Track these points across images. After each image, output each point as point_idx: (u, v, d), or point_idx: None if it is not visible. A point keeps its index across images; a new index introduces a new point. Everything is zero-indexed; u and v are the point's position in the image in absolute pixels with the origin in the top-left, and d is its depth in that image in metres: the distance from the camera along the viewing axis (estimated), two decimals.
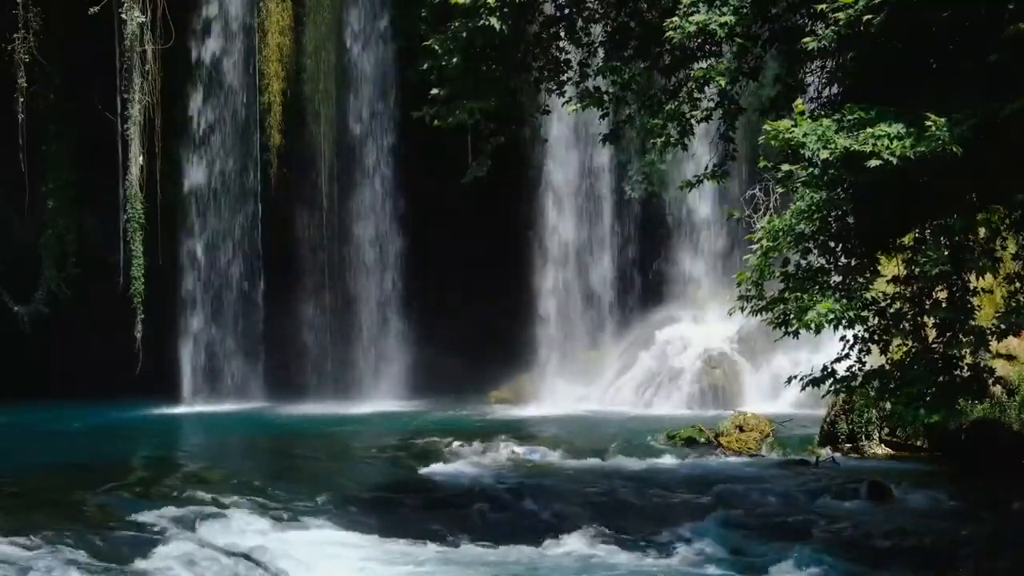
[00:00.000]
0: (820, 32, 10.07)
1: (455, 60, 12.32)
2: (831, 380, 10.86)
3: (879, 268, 10.49)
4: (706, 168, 12.77)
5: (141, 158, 28.67)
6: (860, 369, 10.79)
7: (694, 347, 27.35)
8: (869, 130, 9.11)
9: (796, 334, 10.20)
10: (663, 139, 12.24)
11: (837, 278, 10.25)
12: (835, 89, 11.24)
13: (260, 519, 13.49)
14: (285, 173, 30.37)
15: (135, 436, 24.15)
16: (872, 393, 10.73)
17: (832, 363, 10.93)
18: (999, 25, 8.93)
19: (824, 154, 9.33)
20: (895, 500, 14.73)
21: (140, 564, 11.40)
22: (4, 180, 29.13)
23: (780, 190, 10.66)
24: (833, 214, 10.10)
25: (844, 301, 9.87)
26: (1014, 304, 10.13)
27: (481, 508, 14.16)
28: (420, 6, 13.92)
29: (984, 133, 8.87)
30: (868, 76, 10.21)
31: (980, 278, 10.02)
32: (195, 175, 30.46)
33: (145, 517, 13.30)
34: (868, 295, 10.07)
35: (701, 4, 10.93)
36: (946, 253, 9.72)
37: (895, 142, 8.97)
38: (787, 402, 23.27)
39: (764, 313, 10.37)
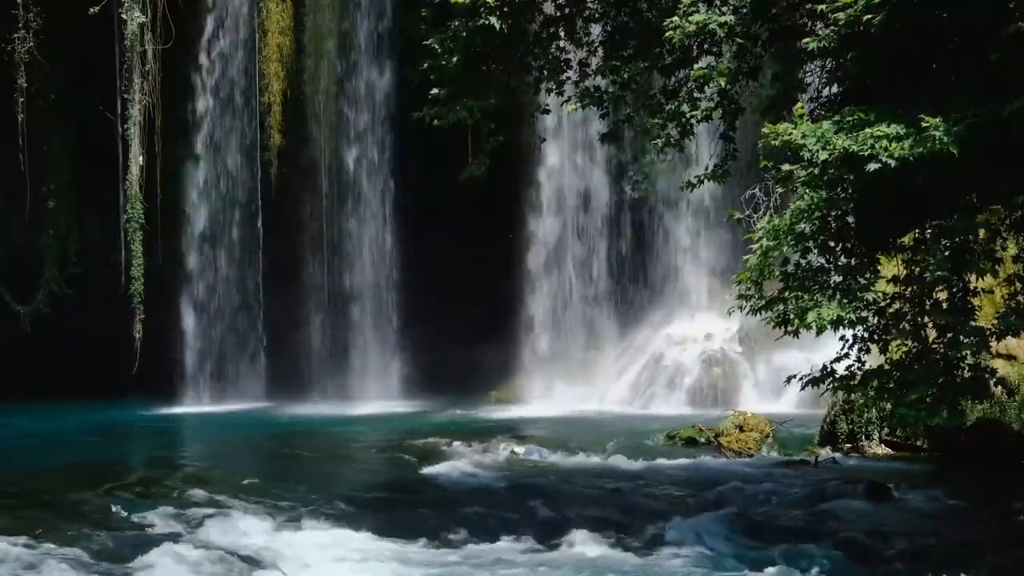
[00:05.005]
0: (820, 32, 10.07)
1: (455, 59, 12.32)
2: (830, 380, 10.86)
3: (879, 268, 10.49)
4: (706, 168, 12.78)
5: (141, 158, 28.71)
6: (859, 369, 10.78)
7: (694, 347, 27.36)
8: (868, 131, 9.11)
9: (796, 333, 10.22)
10: (663, 139, 12.25)
11: (837, 278, 10.25)
12: (835, 89, 11.24)
13: (260, 519, 13.47)
14: (285, 173, 30.39)
15: (135, 436, 24.19)
16: (872, 393, 10.73)
17: (831, 362, 10.93)
18: (999, 24, 8.92)
19: (823, 155, 9.34)
20: (895, 500, 14.70)
21: (140, 564, 11.39)
22: (4, 180, 29.17)
23: (780, 190, 10.66)
24: (833, 214, 10.10)
25: (844, 303, 9.86)
26: (1014, 306, 10.13)
27: (481, 508, 14.12)
28: (420, 6, 13.92)
29: (984, 133, 8.87)
30: (868, 76, 10.21)
31: (980, 279, 10.02)
32: (195, 175, 30.50)
33: (145, 517, 13.31)
34: (868, 296, 10.07)
35: (701, 4, 10.94)
36: (946, 254, 9.71)
37: (894, 143, 8.97)
38: (787, 402, 23.28)
39: (764, 312, 10.38)
